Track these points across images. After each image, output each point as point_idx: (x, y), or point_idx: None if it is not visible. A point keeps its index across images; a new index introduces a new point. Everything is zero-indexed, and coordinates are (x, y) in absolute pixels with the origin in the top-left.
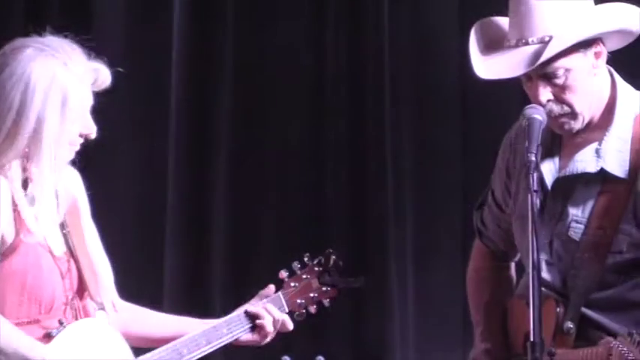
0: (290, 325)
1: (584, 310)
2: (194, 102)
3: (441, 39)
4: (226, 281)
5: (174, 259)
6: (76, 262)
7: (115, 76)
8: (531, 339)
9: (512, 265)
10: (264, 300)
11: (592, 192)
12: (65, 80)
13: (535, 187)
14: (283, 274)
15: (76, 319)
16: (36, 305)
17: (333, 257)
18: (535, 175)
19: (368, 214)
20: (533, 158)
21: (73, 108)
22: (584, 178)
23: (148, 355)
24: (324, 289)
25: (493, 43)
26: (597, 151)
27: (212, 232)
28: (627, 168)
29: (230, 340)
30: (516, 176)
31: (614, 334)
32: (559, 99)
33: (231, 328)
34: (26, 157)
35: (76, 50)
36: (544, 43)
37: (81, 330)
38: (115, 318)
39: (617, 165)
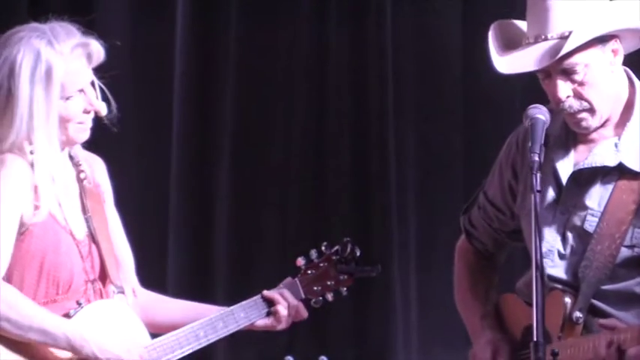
0: (304, 313)
1: (593, 301)
2: (197, 101)
3: (445, 39)
4: (229, 279)
5: (177, 257)
6: (97, 246)
7: (117, 75)
8: (534, 339)
9: (497, 268)
10: (280, 285)
11: (608, 186)
12: (49, 57)
13: (538, 187)
14: (300, 261)
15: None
16: (54, 286)
17: (350, 246)
18: (538, 175)
19: (371, 214)
20: (537, 158)
21: (60, 83)
22: (601, 172)
23: (165, 336)
24: (340, 277)
25: (511, 43)
26: (616, 145)
27: (215, 231)
28: None
29: (247, 324)
30: (524, 175)
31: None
32: (578, 95)
33: (248, 312)
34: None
35: (67, 28)
36: (563, 38)
37: (98, 310)
38: (135, 303)
39: (635, 160)
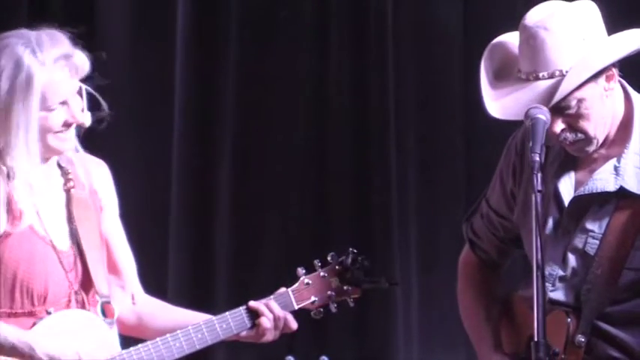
0: (293, 324)
1: (597, 322)
2: (198, 104)
3: (445, 38)
4: (230, 283)
5: (177, 260)
6: (82, 256)
7: (119, 77)
8: (535, 339)
9: (500, 276)
10: (271, 296)
11: (609, 208)
12: (30, 66)
13: (539, 187)
14: (300, 271)
15: None
16: (28, 296)
17: (358, 256)
18: (539, 175)
19: (372, 214)
20: (537, 158)
21: (40, 93)
22: (602, 195)
23: (138, 346)
24: (345, 288)
25: (503, 70)
26: (616, 169)
27: (215, 233)
28: None
29: (229, 335)
30: (524, 184)
31: (625, 348)
32: (572, 127)
33: (231, 322)
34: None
35: (54, 36)
36: (554, 77)
37: (65, 319)
38: (133, 310)
39: (636, 182)
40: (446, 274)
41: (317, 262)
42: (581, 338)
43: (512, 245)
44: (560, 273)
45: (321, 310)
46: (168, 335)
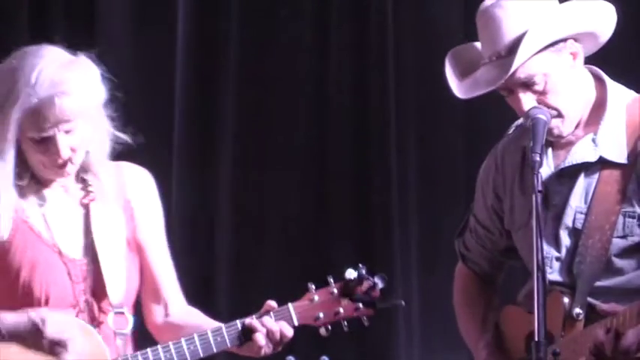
0: (288, 332)
1: (589, 299)
2: (198, 105)
3: (446, 38)
4: (230, 283)
5: (178, 260)
6: (97, 266)
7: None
8: (536, 339)
9: (495, 287)
10: (272, 312)
11: (591, 180)
12: (20, 91)
13: (539, 188)
14: (310, 286)
15: (92, 321)
16: (28, 301)
17: (373, 274)
18: (540, 175)
19: (372, 214)
20: (538, 158)
21: (18, 120)
22: (583, 169)
23: (126, 355)
24: (355, 305)
25: (470, 66)
26: (594, 141)
27: (216, 233)
28: (626, 152)
29: (223, 348)
30: (508, 192)
31: None
32: (543, 104)
33: (225, 336)
34: None
35: (58, 73)
36: (514, 53)
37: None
38: (167, 321)
39: (615, 151)
40: (446, 275)
41: (330, 278)
42: (578, 310)
43: (501, 256)
44: (556, 254)
45: (329, 327)
46: (159, 345)
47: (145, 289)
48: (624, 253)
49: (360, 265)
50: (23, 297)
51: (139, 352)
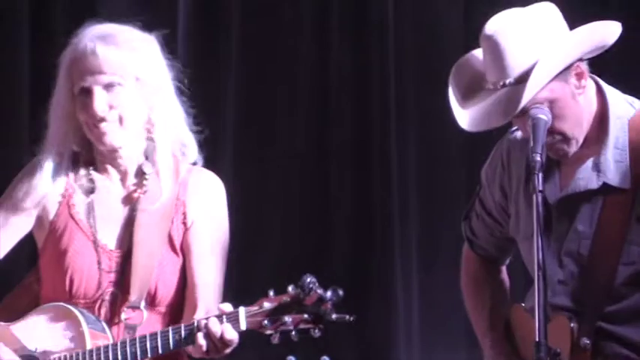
0: (230, 335)
1: (600, 323)
2: (198, 106)
3: (446, 38)
4: (231, 283)
5: None
6: (129, 259)
7: None
8: (536, 339)
9: (504, 268)
10: (224, 315)
11: (596, 206)
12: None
13: (540, 187)
14: (270, 292)
15: (111, 313)
16: (58, 285)
17: (325, 289)
18: (541, 175)
19: (373, 215)
20: (539, 158)
21: (69, 74)
22: (587, 194)
23: (102, 345)
24: (301, 317)
25: (472, 85)
26: (597, 166)
27: None
28: (629, 177)
29: (170, 350)
30: (514, 197)
31: (633, 345)
32: (550, 130)
33: (169, 337)
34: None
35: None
36: (521, 82)
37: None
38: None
39: (618, 176)
40: (446, 274)
41: (289, 287)
42: (585, 340)
43: (510, 243)
44: (559, 277)
45: (277, 334)
46: (127, 339)
47: (185, 294)
48: (629, 281)
49: (313, 277)
50: (54, 279)
51: (109, 344)
